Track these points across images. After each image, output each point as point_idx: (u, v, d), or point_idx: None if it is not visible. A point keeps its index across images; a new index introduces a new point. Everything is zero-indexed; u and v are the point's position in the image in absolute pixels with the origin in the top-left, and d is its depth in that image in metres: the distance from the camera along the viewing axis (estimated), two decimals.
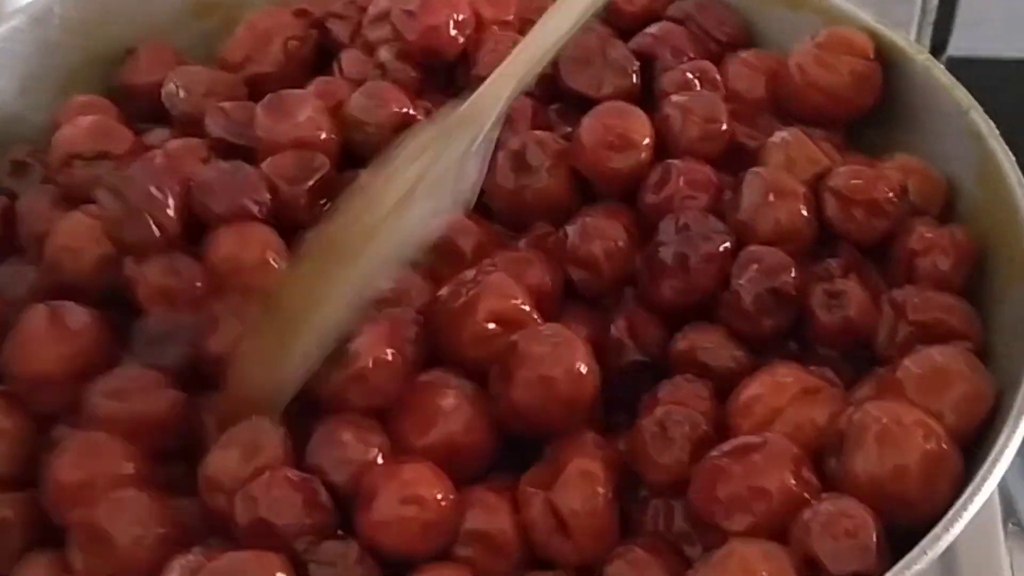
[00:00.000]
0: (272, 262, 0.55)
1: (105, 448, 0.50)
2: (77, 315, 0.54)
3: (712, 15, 0.65)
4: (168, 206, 0.56)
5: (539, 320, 0.52)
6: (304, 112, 0.59)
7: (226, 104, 0.62)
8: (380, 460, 0.49)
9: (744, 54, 0.64)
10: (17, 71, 0.65)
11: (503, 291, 0.52)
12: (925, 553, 0.44)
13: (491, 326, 0.52)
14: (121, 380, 0.53)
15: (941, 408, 0.49)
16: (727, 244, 0.54)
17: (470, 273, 0.53)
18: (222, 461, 0.50)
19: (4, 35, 0.65)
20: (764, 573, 0.45)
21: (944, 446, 0.48)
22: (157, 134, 0.63)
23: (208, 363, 0.53)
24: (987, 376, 0.50)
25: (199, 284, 0.55)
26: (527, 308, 0.52)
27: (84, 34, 0.67)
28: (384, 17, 0.64)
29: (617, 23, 0.66)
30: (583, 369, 0.50)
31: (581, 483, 0.48)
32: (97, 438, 0.51)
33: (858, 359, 0.54)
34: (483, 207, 0.60)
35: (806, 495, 0.47)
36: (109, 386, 0.52)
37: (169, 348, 0.53)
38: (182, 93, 0.63)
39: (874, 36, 0.61)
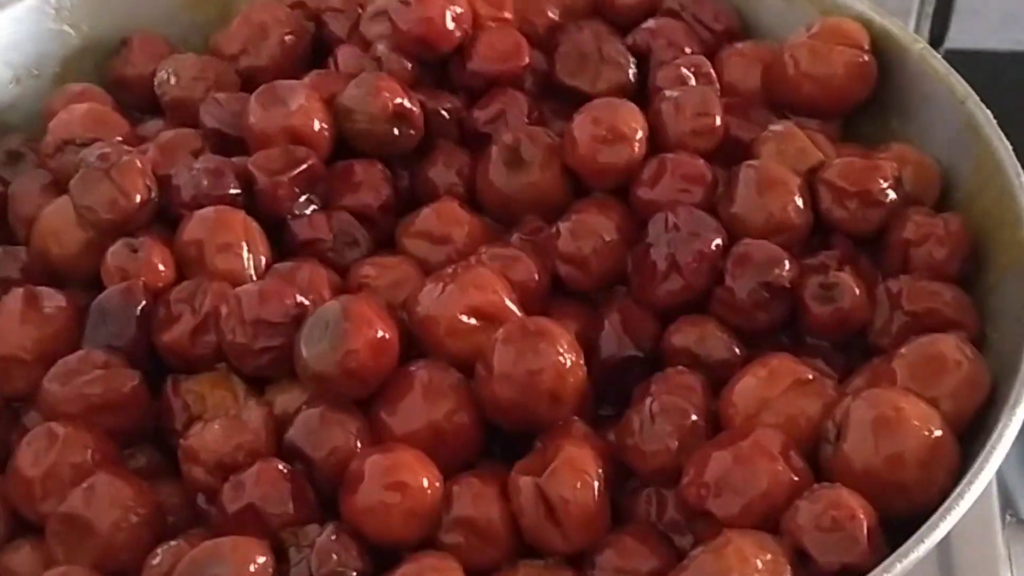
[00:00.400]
0: (238, 247, 0.55)
1: (64, 438, 0.49)
2: (52, 299, 0.54)
3: (708, 6, 0.64)
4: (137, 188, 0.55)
5: (520, 315, 0.52)
6: (296, 101, 0.59)
7: (220, 95, 0.61)
8: (360, 446, 0.49)
9: (740, 45, 0.63)
10: (12, 60, 0.65)
11: (483, 286, 0.52)
12: (922, 541, 0.44)
13: (470, 320, 0.51)
14: (73, 364, 0.52)
15: (937, 396, 0.48)
16: (718, 241, 0.54)
17: (452, 267, 0.53)
18: (204, 435, 0.49)
19: None
20: (759, 562, 0.44)
21: (940, 434, 0.47)
22: (151, 125, 0.63)
23: (160, 347, 0.53)
24: (983, 364, 0.50)
25: (161, 267, 0.54)
26: (507, 303, 0.52)
27: (79, 24, 0.67)
28: (382, 13, 0.64)
29: (613, 16, 0.65)
30: (566, 362, 0.49)
31: (571, 472, 0.48)
32: (55, 429, 0.50)
33: (852, 350, 0.54)
34: (475, 201, 0.60)
35: (796, 480, 0.47)
36: (61, 371, 0.52)
37: (121, 329, 0.52)
38: (172, 79, 0.63)
39: (869, 25, 0.61)
